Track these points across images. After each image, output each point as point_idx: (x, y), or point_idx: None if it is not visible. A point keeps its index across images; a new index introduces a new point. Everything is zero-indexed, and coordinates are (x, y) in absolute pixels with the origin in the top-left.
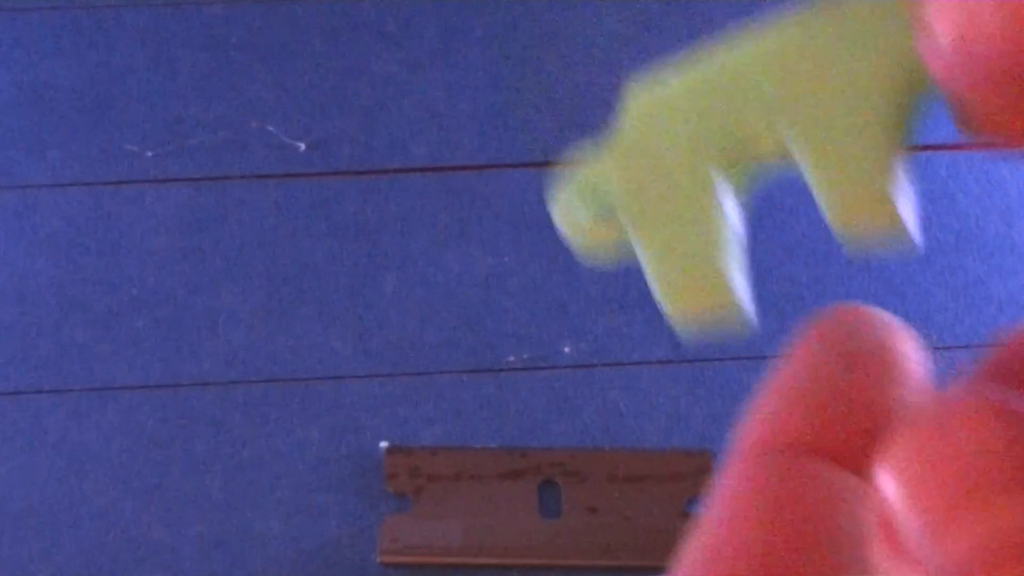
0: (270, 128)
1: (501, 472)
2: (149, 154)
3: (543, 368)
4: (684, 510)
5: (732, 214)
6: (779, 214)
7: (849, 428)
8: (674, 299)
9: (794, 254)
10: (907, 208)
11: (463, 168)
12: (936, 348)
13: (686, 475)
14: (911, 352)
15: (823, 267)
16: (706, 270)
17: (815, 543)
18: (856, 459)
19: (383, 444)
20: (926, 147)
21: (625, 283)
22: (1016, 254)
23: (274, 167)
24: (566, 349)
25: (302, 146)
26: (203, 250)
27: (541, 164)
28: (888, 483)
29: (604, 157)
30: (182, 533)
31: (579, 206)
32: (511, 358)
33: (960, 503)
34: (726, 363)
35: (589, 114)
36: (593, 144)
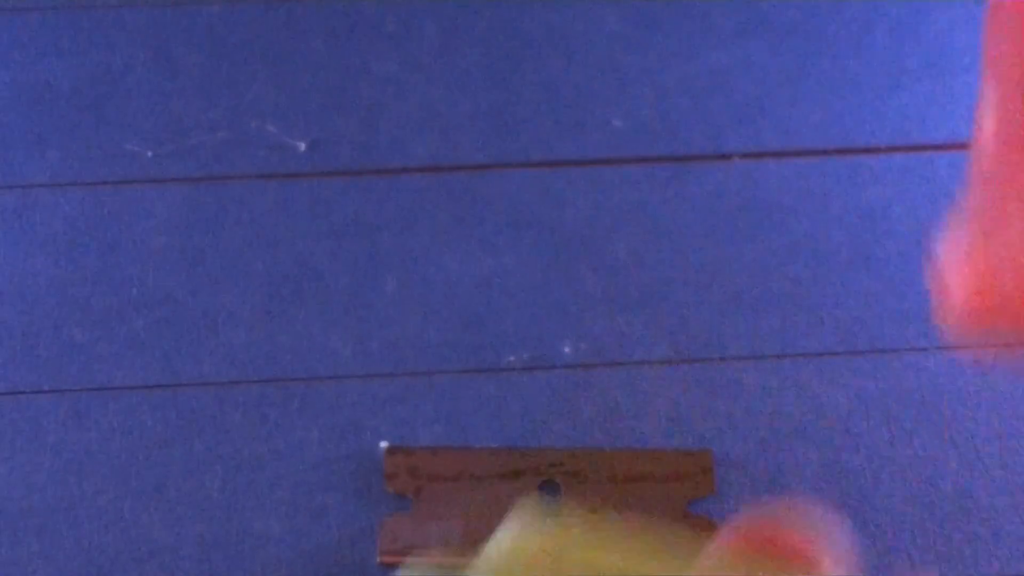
0: (270, 128)
1: (501, 472)
2: (149, 154)
3: (543, 368)
4: (684, 510)
5: None
6: (779, 214)
7: None
8: None
9: (794, 254)
10: None
11: (463, 168)
12: (938, 348)
13: (686, 475)
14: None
15: (823, 267)
16: None
17: None
18: None
19: (383, 444)
20: (926, 147)
21: (625, 283)
22: None
23: (274, 167)
24: (566, 349)
25: (302, 146)
26: (203, 250)
27: (541, 164)
28: None
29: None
30: (182, 533)
31: None
32: (511, 358)
33: None
34: (726, 363)
35: (589, 114)
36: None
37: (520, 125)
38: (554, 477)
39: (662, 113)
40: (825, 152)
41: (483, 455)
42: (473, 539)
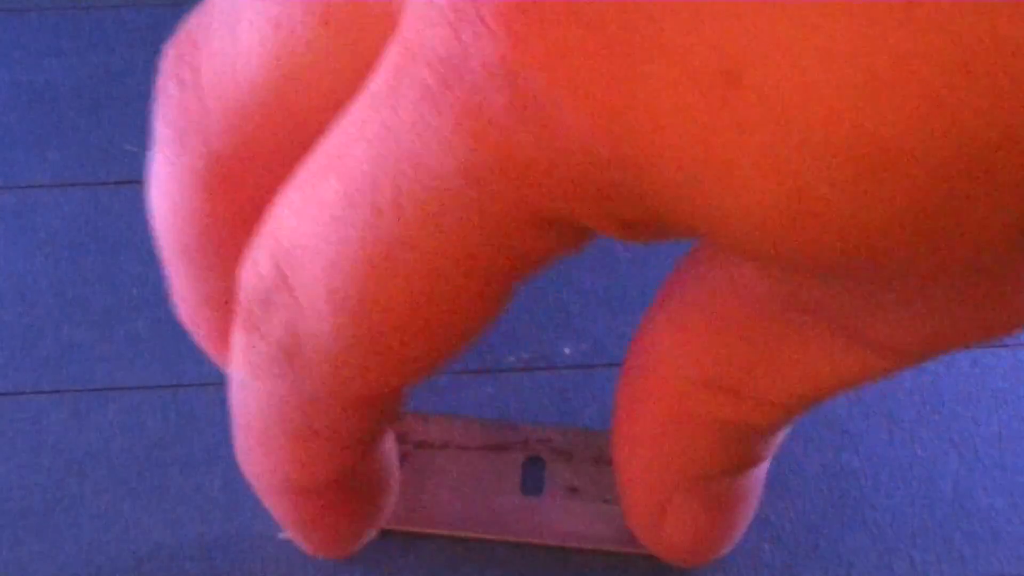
0: None
1: (487, 444)
2: (149, 154)
3: (543, 368)
4: None
5: None
6: None
7: None
8: None
9: None
10: None
11: None
12: None
13: None
14: None
15: None
16: None
17: None
18: None
19: None
20: None
21: (625, 283)
22: None
23: None
24: (566, 349)
25: None
26: None
27: None
28: None
29: None
30: (182, 533)
31: None
32: (511, 358)
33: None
34: None
35: None
36: None
37: None
38: (541, 453)
39: None
40: None
41: (473, 425)
42: (452, 511)
